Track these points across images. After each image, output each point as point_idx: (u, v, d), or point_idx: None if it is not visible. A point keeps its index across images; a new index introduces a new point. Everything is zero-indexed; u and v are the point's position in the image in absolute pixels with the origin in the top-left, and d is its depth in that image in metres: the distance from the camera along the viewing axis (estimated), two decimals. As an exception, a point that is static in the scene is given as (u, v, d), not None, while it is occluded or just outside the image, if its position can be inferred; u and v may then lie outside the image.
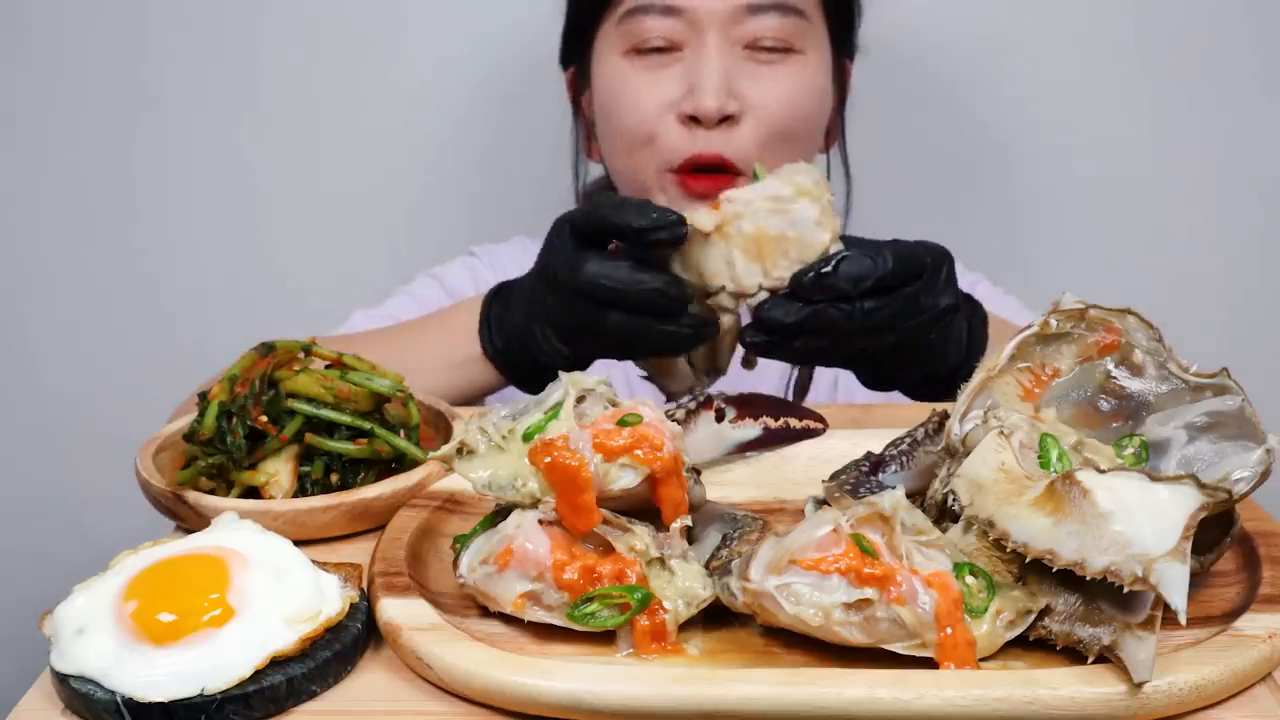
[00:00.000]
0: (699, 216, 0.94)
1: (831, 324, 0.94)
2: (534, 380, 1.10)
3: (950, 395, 1.09)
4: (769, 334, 0.95)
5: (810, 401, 1.02)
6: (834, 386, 1.40)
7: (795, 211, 0.93)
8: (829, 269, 0.93)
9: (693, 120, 1.25)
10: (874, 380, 1.06)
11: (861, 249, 0.94)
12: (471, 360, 1.13)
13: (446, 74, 1.63)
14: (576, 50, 1.38)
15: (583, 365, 1.05)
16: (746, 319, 0.99)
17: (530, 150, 1.63)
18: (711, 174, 1.27)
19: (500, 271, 1.45)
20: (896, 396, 1.38)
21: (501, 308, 1.13)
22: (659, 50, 1.27)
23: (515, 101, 1.64)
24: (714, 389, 0.98)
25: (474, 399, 1.16)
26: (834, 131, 1.40)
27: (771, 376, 1.40)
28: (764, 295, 0.95)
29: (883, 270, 0.94)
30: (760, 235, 0.93)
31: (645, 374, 1.04)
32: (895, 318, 0.95)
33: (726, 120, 1.25)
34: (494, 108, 1.64)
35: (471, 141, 1.66)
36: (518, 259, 1.47)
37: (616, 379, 1.38)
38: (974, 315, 1.08)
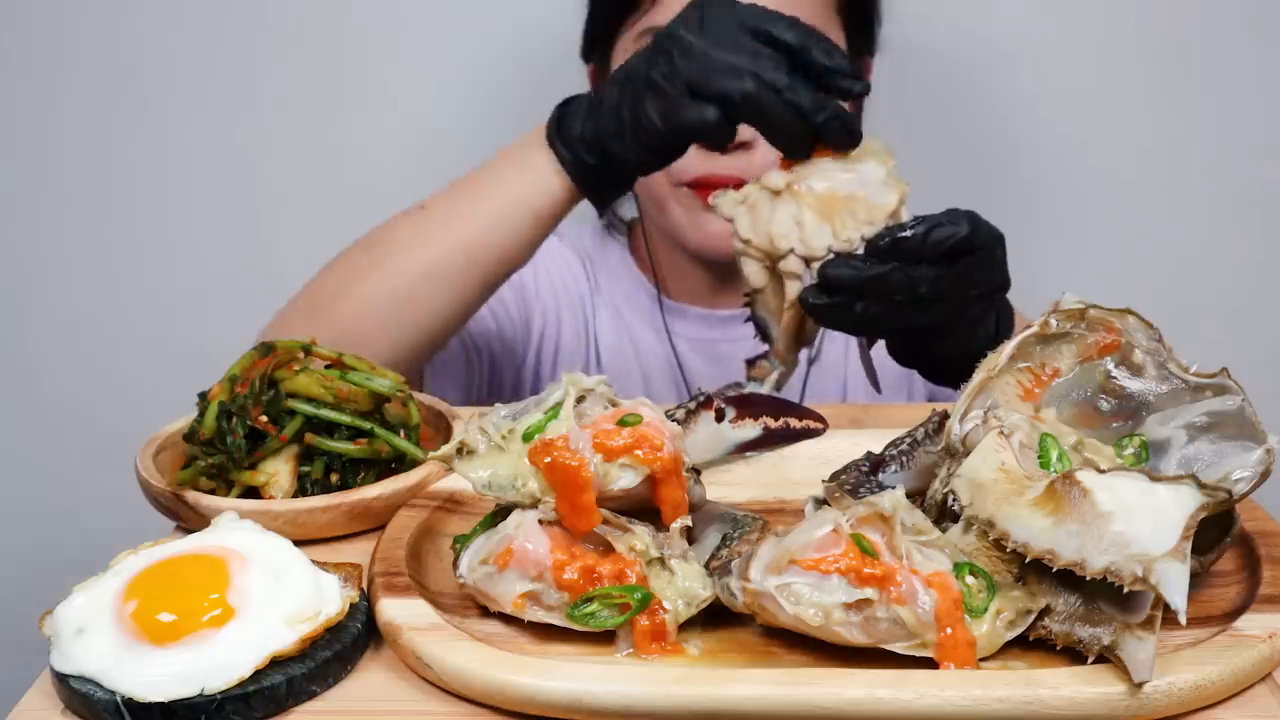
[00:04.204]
0: (770, 176, 0.94)
1: (895, 287, 0.92)
2: (607, 183, 1.08)
3: (965, 380, 1.08)
4: (832, 295, 0.93)
5: (810, 401, 1.02)
6: (842, 386, 1.40)
7: (863, 171, 0.93)
8: (909, 233, 0.91)
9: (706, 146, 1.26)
10: (904, 351, 1.04)
11: (940, 215, 0.93)
12: (541, 179, 1.08)
13: (454, 71, 1.62)
14: (597, 53, 1.38)
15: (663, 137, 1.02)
16: None
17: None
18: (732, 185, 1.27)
19: None
20: (900, 395, 1.39)
21: (576, 102, 1.09)
22: None
23: (525, 99, 1.63)
24: (714, 388, 0.98)
25: (543, 234, 1.11)
26: None
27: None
28: (831, 258, 0.93)
29: (959, 236, 0.92)
30: (831, 195, 0.92)
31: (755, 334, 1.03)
32: (955, 287, 0.94)
33: (742, 146, 1.25)
34: (502, 105, 1.64)
35: (478, 140, 1.65)
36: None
37: (630, 373, 1.40)
38: (1001, 308, 1.07)
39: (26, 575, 1.71)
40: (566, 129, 1.07)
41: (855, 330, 1.00)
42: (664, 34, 1.00)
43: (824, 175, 0.93)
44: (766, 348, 1.01)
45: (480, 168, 1.14)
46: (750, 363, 1.02)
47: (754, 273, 0.97)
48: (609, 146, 1.04)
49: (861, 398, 1.39)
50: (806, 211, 0.93)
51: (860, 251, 0.92)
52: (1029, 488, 0.70)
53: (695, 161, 1.28)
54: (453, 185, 1.15)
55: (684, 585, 0.72)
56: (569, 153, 1.07)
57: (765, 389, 0.99)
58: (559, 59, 1.48)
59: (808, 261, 0.94)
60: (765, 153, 1.26)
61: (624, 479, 0.73)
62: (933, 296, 0.93)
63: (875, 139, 0.96)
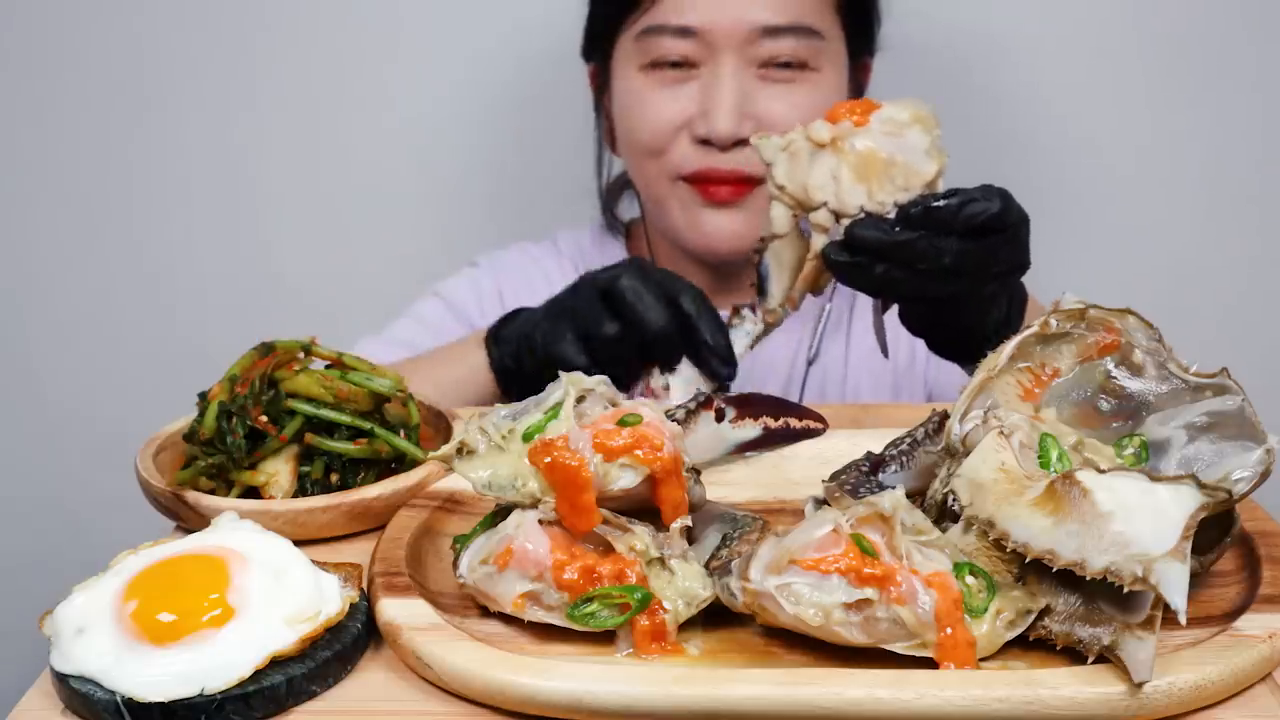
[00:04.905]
0: (816, 127, 0.94)
1: (920, 255, 0.93)
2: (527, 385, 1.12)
3: (972, 360, 1.08)
4: (854, 254, 0.94)
5: (810, 401, 1.02)
6: (841, 390, 1.40)
7: (908, 137, 0.93)
8: (942, 204, 0.92)
9: (706, 142, 1.26)
10: (918, 320, 1.05)
11: (975, 189, 0.94)
12: (475, 371, 1.16)
13: (454, 71, 1.62)
14: (597, 51, 1.38)
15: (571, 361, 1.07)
16: None
17: (535, 148, 1.63)
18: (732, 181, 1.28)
19: (504, 279, 1.45)
20: (900, 395, 1.39)
21: (515, 317, 1.15)
22: (675, 65, 1.28)
23: (525, 99, 1.64)
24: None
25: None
26: None
27: (778, 374, 1.40)
28: (861, 218, 0.94)
29: (991, 212, 0.93)
30: (872, 156, 0.93)
31: (753, 281, 1.04)
32: (978, 263, 0.94)
33: (740, 142, 1.26)
34: (502, 105, 1.64)
35: (478, 139, 1.66)
36: (522, 266, 1.47)
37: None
38: (1015, 289, 1.07)
39: (26, 575, 1.72)
40: (502, 335, 1.16)
41: (871, 291, 1.00)
42: (586, 283, 1.08)
43: (868, 135, 0.93)
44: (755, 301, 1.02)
45: (439, 348, 1.24)
46: (737, 309, 1.03)
47: (780, 217, 0.97)
48: (523, 363, 1.12)
49: (863, 397, 1.39)
50: (845, 168, 0.93)
51: (892, 215, 0.93)
52: (1029, 488, 0.70)
53: (694, 155, 1.28)
54: (415, 360, 1.23)
55: (684, 585, 0.72)
56: (496, 353, 1.16)
57: (745, 340, 1.01)
58: (559, 58, 1.48)
59: (838, 217, 0.94)
60: None
61: (624, 479, 0.73)
62: (956, 269, 0.93)
63: (926, 105, 0.96)
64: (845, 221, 0.94)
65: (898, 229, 0.92)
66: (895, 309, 1.04)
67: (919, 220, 0.92)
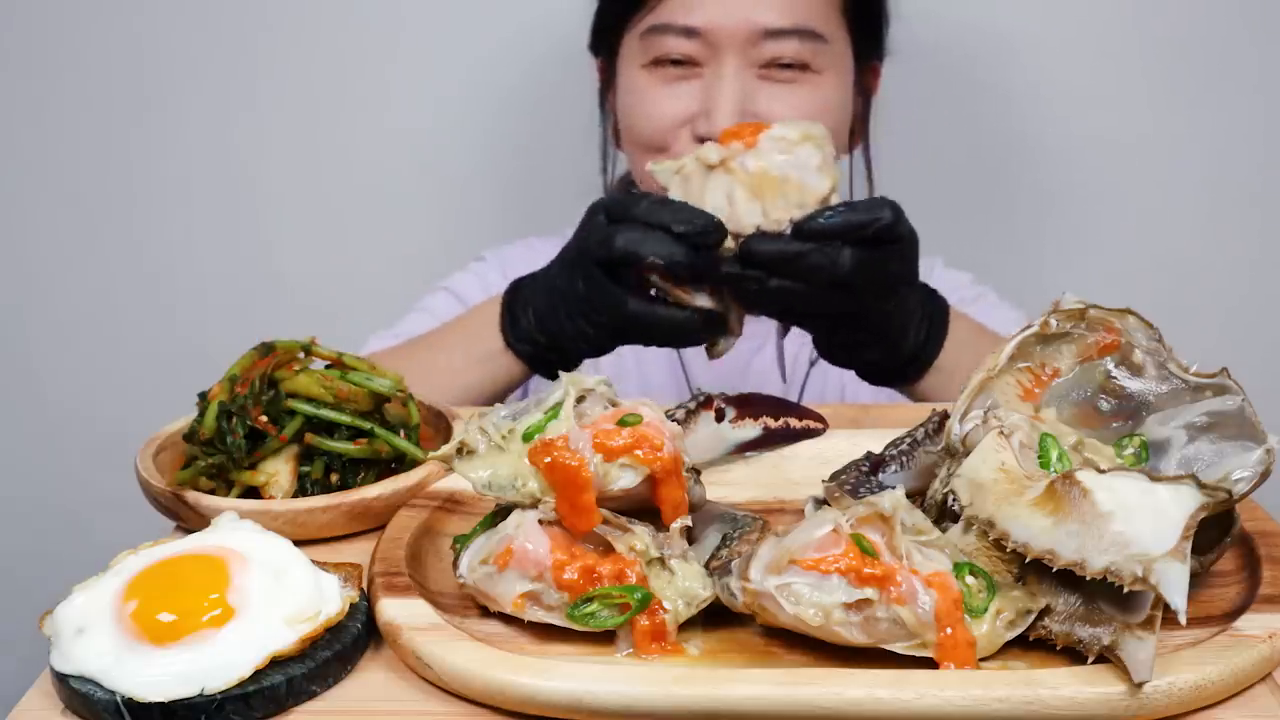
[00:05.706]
0: (706, 150, 0.95)
1: (814, 267, 0.95)
2: (557, 369, 1.12)
3: (904, 381, 1.10)
4: (747, 268, 0.95)
5: (810, 401, 1.02)
6: (841, 390, 1.41)
7: (799, 154, 0.94)
8: (835, 215, 0.94)
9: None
10: (830, 346, 1.07)
11: (866, 201, 0.97)
12: (495, 355, 1.15)
13: (454, 70, 1.63)
14: (604, 46, 1.39)
15: (606, 349, 1.07)
16: None
17: (539, 147, 1.64)
18: None
19: (511, 274, 1.45)
20: (897, 395, 1.39)
21: (523, 299, 1.14)
22: (678, 63, 1.28)
23: (526, 99, 1.64)
24: (715, 389, 0.98)
25: (502, 395, 1.17)
26: (858, 134, 1.41)
27: (779, 375, 1.40)
28: (755, 234, 0.95)
29: (884, 223, 0.95)
30: (763, 174, 0.94)
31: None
32: (870, 274, 0.97)
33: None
34: (503, 104, 1.64)
35: (478, 139, 1.66)
36: (528, 260, 1.47)
37: (629, 372, 1.41)
38: (935, 306, 1.09)
39: (26, 575, 1.72)
40: (520, 327, 1.13)
41: (768, 307, 1.01)
42: (585, 264, 1.04)
43: (759, 155, 0.94)
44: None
45: (442, 339, 1.21)
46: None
47: None
48: (564, 345, 1.09)
49: (862, 398, 1.39)
50: (739, 189, 0.94)
51: (788, 233, 0.94)
52: (1029, 488, 0.70)
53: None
54: (418, 337, 1.21)
55: (684, 585, 0.72)
56: (528, 347, 1.13)
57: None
58: (562, 57, 1.49)
59: (736, 238, 0.96)
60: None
61: (624, 479, 0.73)
62: (849, 281, 0.95)
63: (816, 125, 0.97)
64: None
65: (792, 242, 0.94)
66: (810, 339, 1.07)
67: (813, 233, 0.94)
